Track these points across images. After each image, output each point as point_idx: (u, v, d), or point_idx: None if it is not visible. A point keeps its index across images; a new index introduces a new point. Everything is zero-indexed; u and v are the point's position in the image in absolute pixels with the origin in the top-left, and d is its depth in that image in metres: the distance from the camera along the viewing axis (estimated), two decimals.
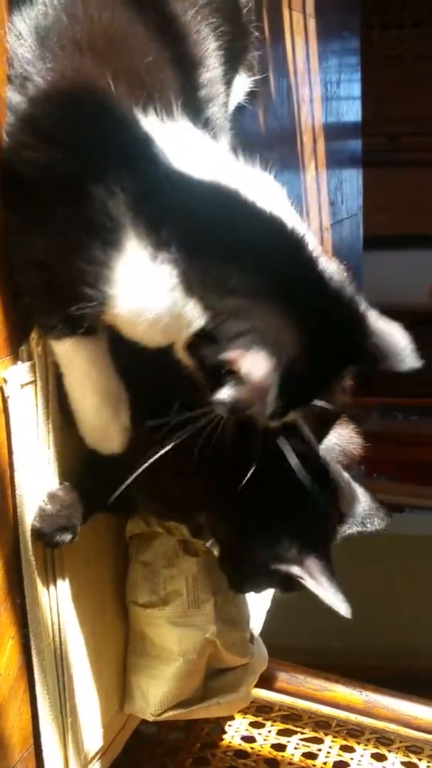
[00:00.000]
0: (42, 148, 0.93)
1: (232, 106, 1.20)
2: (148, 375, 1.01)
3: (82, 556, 1.15)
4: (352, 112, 2.78)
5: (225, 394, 0.86)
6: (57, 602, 1.10)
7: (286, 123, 2.03)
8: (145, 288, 0.90)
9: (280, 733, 1.46)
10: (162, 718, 1.25)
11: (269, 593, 1.42)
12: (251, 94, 1.32)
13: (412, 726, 1.50)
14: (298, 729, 1.47)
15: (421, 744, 1.47)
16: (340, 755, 1.43)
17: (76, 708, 1.14)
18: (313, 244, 0.92)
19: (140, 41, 1.00)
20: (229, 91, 1.14)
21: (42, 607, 1.07)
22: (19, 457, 1.02)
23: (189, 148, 0.95)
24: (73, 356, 1.02)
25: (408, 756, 1.44)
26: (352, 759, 1.43)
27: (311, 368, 0.87)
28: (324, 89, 2.37)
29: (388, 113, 3.61)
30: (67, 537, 1.06)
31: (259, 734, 1.45)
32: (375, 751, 1.45)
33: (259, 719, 1.48)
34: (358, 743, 1.46)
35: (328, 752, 1.43)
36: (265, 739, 1.44)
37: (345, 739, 1.46)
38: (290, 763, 1.41)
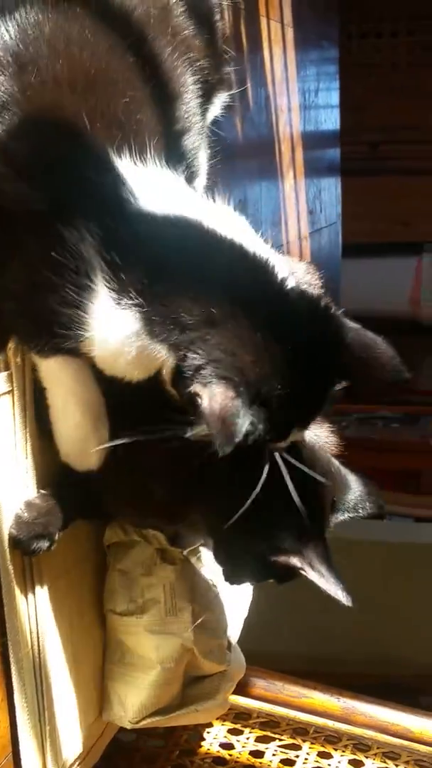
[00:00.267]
0: (16, 180, 0.94)
1: (208, 122, 1.22)
2: (128, 395, 1.01)
3: (61, 564, 1.15)
4: (330, 120, 2.80)
5: (191, 431, 0.89)
6: (35, 610, 1.10)
7: (264, 132, 2.05)
8: (114, 332, 0.92)
9: (258, 739, 1.46)
10: (140, 725, 1.26)
11: (247, 601, 1.43)
12: (228, 107, 1.34)
13: (389, 732, 1.51)
14: (276, 736, 1.47)
15: (398, 750, 1.47)
16: (317, 761, 1.43)
17: (54, 716, 1.14)
18: (279, 267, 0.93)
19: (119, 80, 1.01)
20: (206, 117, 1.15)
21: (20, 616, 1.07)
22: None
23: (159, 192, 0.97)
24: (59, 373, 1.02)
25: (385, 762, 1.45)
26: (329, 765, 1.43)
27: (288, 387, 0.88)
28: (302, 98, 2.39)
29: (366, 122, 3.63)
30: (44, 545, 1.06)
31: (238, 741, 1.46)
32: (352, 757, 1.45)
33: (238, 726, 1.48)
34: (336, 749, 1.46)
35: (306, 758, 1.44)
36: (243, 746, 1.45)
37: (323, 746, 1.46)
38: None
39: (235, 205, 1.01)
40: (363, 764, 1.44)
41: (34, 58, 0.97)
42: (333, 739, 1.48)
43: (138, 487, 1.07)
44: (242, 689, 1.51)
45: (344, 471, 1.12)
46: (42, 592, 1.11)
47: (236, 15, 1.80)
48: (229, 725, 1.48)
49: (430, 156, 3.96)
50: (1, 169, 0.95)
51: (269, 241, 0.99)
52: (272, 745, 1.45)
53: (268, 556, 1.01)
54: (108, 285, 0.92)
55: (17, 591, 1.06)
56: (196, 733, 1.44)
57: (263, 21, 2.03)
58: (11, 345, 1.05)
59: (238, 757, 1.42)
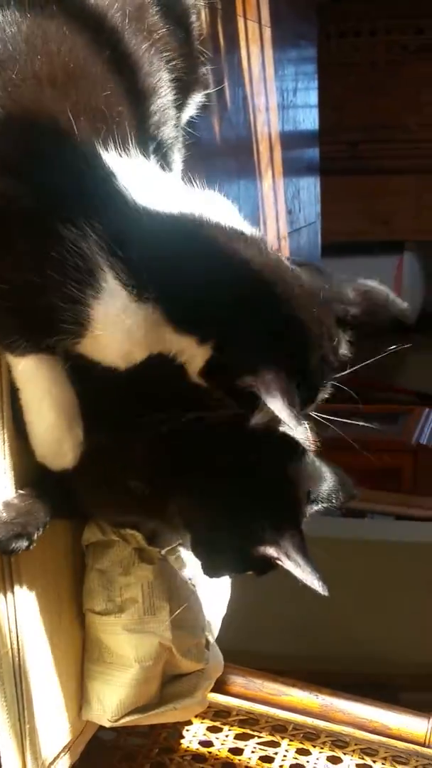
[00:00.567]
0: (3, 176, 0.94)
1: (183, 121, 1.22)
2: (112, 389, 1.02)
3: (39, 563, 1.15)
4: (309, 120, 2.80)
5: (256, 419, 0.95)
6: (14, 610, 1.11)
7: (242, 132, 2.06)
8: (126, 324, 0.94)
9: (238, 737, 1.47)
10: (119, 723, 1.27)
11: (225, 599, 1.44)
12: (205, 107, 1.35)
13: (367, 729, 1.52)
14: (255, 733, 1.48)
15: (375, 746, 1.48)
16: (296, 758, 1.44)
17: (34, 715, 1.15)
18: (273, 251, 1.00)
19: (97, 75, 1.01)
20: (181, 116, 1.16)
21: None
22: None
23: (148, 183, 0.98)
24: (34, 373, 1.03)
25: (363, 758, 1.46)
26: (308, 762, 1.44)
27: (314, 357, 0.96)
28: (280, 98, 2.40)
29: (346, 121, 3.64)
30: (23, 544, 1.07)
31: (217, 738, 1.47)
32: (331, 753, 1.46)
33: (217, 724, 1.49)
34: (314, 746, 1.47)
35: (285, 755, 1.45)
36: (222, 744, 1.46)
37: (301, 743, 1.47)
38: (247, 767, 1.42)
39: None
40: (341, 761, 1.45)
41: (13, 55, 0.96)
42: (311, 735, 1.49)
43: (114, 484, 1.08)
44: (221, 687, 1.52)
45: (318, 463, 1.13)
46: (21, 592, 1.12)
47: (213, 15, 1.81)
48: (209, 723, 1.49)
49: (409, 154, 3.98)
50: (9, 188, 0.94)
51: None
52: (251, 743, 1.46)
53: (245, 546, 1.02)
54: (121, 280, 0.93)
55: None
56: (176, 731, 1.45)
57: (240, 21, 2.03)
58: None
59: (217, 755, 1.43)
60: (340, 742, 1.49)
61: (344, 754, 1.46)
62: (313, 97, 2.86)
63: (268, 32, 2.25)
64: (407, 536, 3.10)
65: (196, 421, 1.01)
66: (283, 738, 1.48)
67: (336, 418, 1.12)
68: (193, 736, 1.46)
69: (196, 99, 1.20)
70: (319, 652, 2.53)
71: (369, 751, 1.47)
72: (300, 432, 1.14)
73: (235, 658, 1.52)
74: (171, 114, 1.12)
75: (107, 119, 0.99)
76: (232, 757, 1.44)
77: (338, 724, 1.52)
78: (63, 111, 0.95)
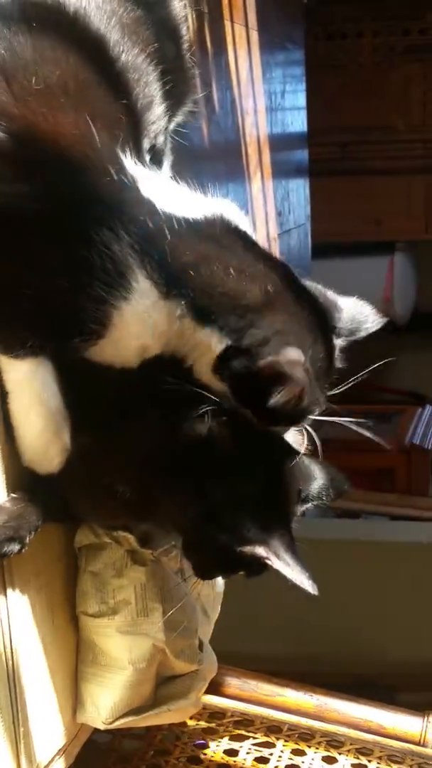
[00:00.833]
0: (27, 182, 0.95)
1: (172, 129, 1.23)
2: (103, 391, 1.04)
3: (32, 567, 1.16)
4: (297, 122, 2.81)
5: (278, 398, 0.96)
6: (7, 613, 1.11)
7: (230, 135, 2.06)
8: (152, 321, 0.98)
9: (233, 738, 1.48)
10: (113, 726, 1.27)
11: (218, 600, 1.44)
12: (193, 113, 1.36)
13: (362, 728, 1.53)
14: (250, 734, 1.49)
15: (370, 746, 1.49)
16: (291, 759, 1.45)
17: (28, 718, 1.15)
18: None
19: (104, 85, 1.02)
20: (171, 122, 1.17)
21: None
22: None
23: (162, 188, 1.03)
24: (28, 379, 1.04)
25: (358, 758, 1.47)
26: (303, 762, 1.45)
27: (323, 350, 1.02)
28: (268, 100, 2.40)
29: (334, 122, 3.65)
30: (15, 547, 1.07)
31: (212, 740, 1.47)
32: (326, 753, 1.47)
33: (212, 725, 1.50)
34: (309, 746, 1.48)
35: (280, 756, 1.45)
36: (217, 745, 1.46)
37: (296, 743, 1.48)
38: None
39: None
40: (336, 761, 1.46)
41: (26, 65, 0.97)
42: (306, 736, 1.50)
43: (102, 488, 1.08)
44: (216, 688, 1.53)
45: (308, 461, 1.14)
46: (13, 596, 1.12)
47: (200, 19, 1.82)
48: (204, 724, 1.50)
49: (398, 155, 3.99)
50: (8, 171, 0.95)
51: None
52: (246, 744, 1.47)
53: (235, 547, 1.02)
54: (153, 279, 0.97)
55: None
56: (171, 733, 1.46)
57: (227, 24, 2.04)
58: None
59: (212, 756, 1.44)
60: (335, 742, 1.49)
61: (339, 754, 1.47)
62: (301, 100, 2.87)
63: (255, 35, 2.26)
64: (401, 536, 3.11)
65: (184, 422, 1.02)
66: (278, 739, 1.49)
67: (330, 419, 1.14)
68: (188, 738, 1.47)
69: (185, 109, 1.21)
70: (313, 653, 2.54)
71: (364, 750, 1.48)
72: (292, 431, 1.16)
73: (229, 659, 1.52)
74: (163, 123, 1.13)
75: (120, 126, 1.01)
76: (227, 758, 1.44)
77: (333, 724, 1.53)
78: (82, 118, 0.97)
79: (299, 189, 2.79)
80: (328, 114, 3.39)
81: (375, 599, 2.75)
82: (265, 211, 2.36)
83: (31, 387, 1.04)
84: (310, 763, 1.45)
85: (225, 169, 2.03)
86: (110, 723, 1.27)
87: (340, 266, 4.52)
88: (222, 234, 1.03)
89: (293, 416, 1.01)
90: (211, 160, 1.91)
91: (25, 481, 1.12)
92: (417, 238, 5.12)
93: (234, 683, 1.55)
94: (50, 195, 0.95)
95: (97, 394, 1.04)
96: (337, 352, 1.08)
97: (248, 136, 2.19)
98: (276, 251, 2.44)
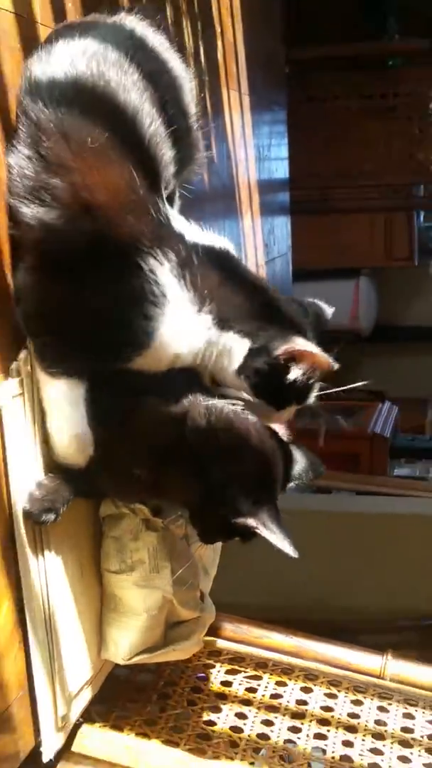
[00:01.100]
0: (84, 221, 0.96)
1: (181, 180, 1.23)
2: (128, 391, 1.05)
3: (64, 532, 1.16)
4: (281, 170, 2.81)
5: (296, 372, 1.03)
6: (44, 570, 1.12)
7: (226, 181, 2.06)
8: (187, 332, 1.01)
9: (228, 672, 1.48)
10: (131, 662, 1.28)
11: (216, 561, 1.44)
12: (197, 168, 1.35)
13: (332, 664, 1.53)
14: (242, 669, 1.49)
15: (340, 679, 1.50)
16: (275, 689, 1.46)
17: (61, 655, 1.16)
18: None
19: (139, 145, 1.02)
20: (181, 175, 1.16)
21: (32, 575, 1.09)
22: (11, 454, 1.04)
23: (184, 224, 1.06)
24: (62, 396, 1.04)
25: (329, 688, 1.47)
26: (284, 692, 1.45)
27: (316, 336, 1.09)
28: (257, 152, 2.40)
29: (312, 170, 3.64)
30: (51, 517, 1.07)
31: (211, 674, 1.47)
32: (303, 685, 1.47)
33: (210, 661, 1.50)
34: (290, 679, 1.48)
35: (266, 687, 1.46)
36: (215, 678, 1.46)
37: (279, 676, 1.48)
38: (235, 696, 1.43)
39: None
40: (312, 690, 1.46)
41: (80, 129, 0.96)
42: (287, 670, 1.50)
43: (121, 471, 1.08)
44: (214, 632, 1.53)
45: (292, 447, 1.14)
46: (50, 556, 1.13)
47: (201, 86, 1.82)
48: (204, 661, 1.50)
49: (364, 197, 4.00)
50: (70, 214, 0.95)
51: None
52: (239, 677, 1.47)
53: (231, 518, 1.02)
54: (188, 297, 1.00)
55: (30, 555, 1.08)
56: (177, 668, 1.46)
57: (224, 90, 2.04)
58: (21, 356, 1.05)
59: (211, 687, 1.44)
60: (311, 676, 1.50)
61: (314, 685, 1.48)
62: (284, 152, 2.86)
63: (246, 99, 2.26)
64: (365, 508, 3.11)
65: (189, 418, 1.02)
66: (264, 672, 1.49)
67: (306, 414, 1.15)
68: (191, 672, 1.47)
69: (192, 167, 1.20)
70: (293, 603, 2.54)
71: (334, 682, 1.49)
72: (279, 426, 1.16)
73: (225, 608, 1.52)
74: (175, 176, 1.12)
75: (151, 178, 1.02)
76: (223, 688, 1.44)
77: (309, 661, 1.53)
78: (127, 169, 0.98)
79: (282, 225, 2.78)
80: (305, 164, 3.38)
81: (343, 560, 2.75)
82: (255, 243, 2.36)
83: (66, 406, 1.05)
84: (291, 693, 1.45)
85: (222, 208, 2.03)
86: (128, 659, 1.27)
87: (316, 288, 4.51)
88: (229, 260, 1.08)
89: (304, 390, 1.07)
90: (211, 201, 1.90)
91: (58, 463, 1.12)
92: (378, 265, 5.15)
93: (229, 628, 1.56)
94: (104, 231, 0.96)
95: (122, 394, 1.05)
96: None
97: (241, 182, 2.19)
98: (264, 275, 2.44)
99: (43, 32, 1.12)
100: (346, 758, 1.32)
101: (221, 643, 1.54)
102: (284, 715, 1.40)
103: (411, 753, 1.34)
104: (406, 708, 1.44)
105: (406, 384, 5.13)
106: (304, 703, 1.43)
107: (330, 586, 2.69)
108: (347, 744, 1.35)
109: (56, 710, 1.15)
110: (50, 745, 1.14)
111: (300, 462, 1.15)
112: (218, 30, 1.99)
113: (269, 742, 1.33)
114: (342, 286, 4.94)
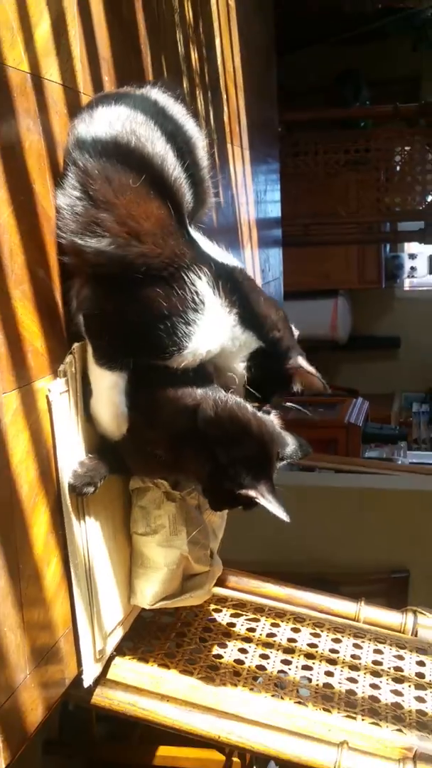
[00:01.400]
0: (132, 246, 0.96)
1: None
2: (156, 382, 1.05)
3: (101, 502, 1.16)
4: (274, 210, 2.80)
5: (296, 387, 1.10)
6: (86, 533, 1.12)
7: (230, 219, 2.06)
8: (218, 331, 1.02)
9: (232, 615, 1.47)
10: (154, 607, 1.28)
11: (223, 525, 1.44)
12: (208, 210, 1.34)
13: (317, 610, 1.52)
14: (244, 613, 1.48)
15: (323, 621, 1.49)
16: (270, 629, 1.45)
17: (99, 601, 1.16)
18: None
19: (169, 186, 1.02)
20: (197, 215, 1.17)
21: (76, 536, 1.09)
22: (59, 439, 1.05)
23: (209, 246, 1.08)
24: (109, 385, 1.04)
25: (314, 629, 1.46)
26: (278, 631, 1.45)
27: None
28: (255, 196, 2.40)
29: (299, 211, 3.64)
30: (91, 489, 1.08)
31: (218, 616, 1.47)
32: (294, 626, 1.47)
33: (218, 607, 1.49)
34: (282, 621, 1.47)
35: (263, 627, 1.45)
36: (222, 620, 1.46)
37: (274, 619, 1.48)
38: (238, 635, 1.42)
39: None
40: (300, 630, 1.45)
41: (121, 172, 0.97)
42: (280, 614, 1.50)
43: (146, 453, 1.08)
44: (221, 583, 1.52)
45: (284, 432, 1.13)
46: (90, 521, 1.13)
47: (211, 142, 1.82)
48: (213, 606, 1.49)
49: (341, 233, 3.99)
50: (120, 240, 0.95)
51: None
52: (241, 619, 1.47)
53: (235, 490, 1.02)
54: (219, 301, 1.01)
55: (74, 520, 1.08)
56: (191, 611, 1.45)
57: (229, 146, 2.04)
58: (67, 359, 1.06)
59: (219, 627, 1.43)
60: (299, 619, 1.49)
61: (302, 626, 1.47)
62: (277, 196, 2.85)
63: (247, 153, 2.26)
64: (342, 483, 3.11)
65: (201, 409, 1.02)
66: (261, 616, 1.48)
67: (295, 405, 1.15)
68: (203, 615, 1.46)
69: (203, 212, 1.19)
70: (286, 560, 2.54)
71: (318, 624, 1.48)
72: (273, 413, 1.16)
73: (230, 564, 1.52)
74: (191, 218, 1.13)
75: (179, 212, 1.02)
76: (228, 628, 1.44)
77: (298, 606, 1.52)
78: (163, 204, 0.98)
79: (275, 255, 2.78)
80: (294, 205, 3.38)
81: (326, 524, 2.76)
82: (253, 269, 2.35)
83: (111, 393, 1.05)
84: (283, 632, 1.44)
85: (227, 241, 2.03)
86: (152, 605, 1.27)
87: (303, 306, 4.54)
88: (245, 275, 1.09)
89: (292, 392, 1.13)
90: (218, 235, 1.89)
91: (97, 446, 1.12)
92: (352, 287, 5.15)
93: (233, 579, 1.55)
94: (150, 252, 0.95)
95: (151, 387, 1.04)
96: None
97: (242, 220, 2.18)
98: None
99: (85, 100, 1.12)
100: (327, 685, 1.32)
101: (227, 592, 1.53)
102: (278, 650, 1.39)
103: (380, 681, 1.34)
104: (376, 645, 1.43)
105: (375, 383, 5.13)
106: (294, 641, 1.42)
107: (315, 545, 2.70)
108: (329, 674, 1.35)
109: (95, 645, 1.15)
110: (90, 673, 1.14)
111: (291, 444, 1.14)
112: (224, 98, 1.99)
113: (266, 672, 1.33)
114: (323, 304, 4.95)
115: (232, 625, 1.45)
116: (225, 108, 1.99)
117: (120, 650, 1.27)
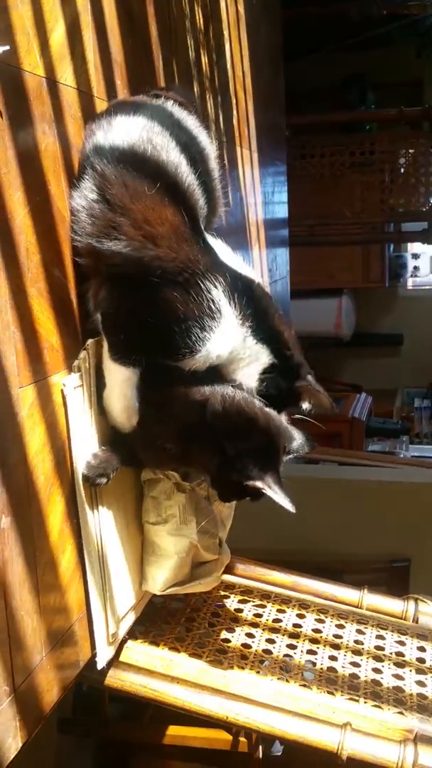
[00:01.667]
0: (148, 249, 0.95)
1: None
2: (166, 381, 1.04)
3: (114, 493, 1.16)
4: (281, 211, 2.79)
5: (308, 404, 1.09)
6: (99, 522, 1.12)
7: (240, 220, 2.06)
8: (230, 340, 1.00)
9: (240, 602, 1.48)
10: (165, 593, 1.28)
11: (231, 515, 1.44)
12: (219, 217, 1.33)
13: (321, 597, 1.53)
14: (251, 599, 1.49)
15: (327, 608, 1.49)
16: (276, 615, 1.45)
17: (112, 587, 1.16)
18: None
19: (183, 192, 1.02)
20: (208, 222, 1.16)
21: (90, 525, 1.09)
22: (73, 431, 1.05)
23: (225, 253, 1.06)
24: (122, 379, 1.04)
25: (319, 615, 1.47)
26: (283, 617, 1.45)
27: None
28: (263, 197, 2.39)
29: (305, 212, 3.63)
30: (104, 480, 1.08)
31: (227, 602, 1.47)
32: (298, 612, 1.47)
33: (226, 593, 1.50)
34: (288, 608, 1.48)
35: (269, 613, 1.45)
36: (230, 606, 1.46)
37: (279, 605, 1.48)
38: (245, 620, 1.43)
39: None
40: (305, 617, 1.46)
41: (137, 180, 0.97)
42: (286, 601, 1.50)
43: (156, 446, 1.08)
44: (229, 570, 1.53)
45: (290, 427, 1.13)
46: (103, 510, 1.13)
47: (221, 145, 1.81)
48: (221, 593, 1.49)
49: (345, 233, 3.97)
50: (137, 244, 0.95)
51: None
52: (248, 605, 1.47)
53: (243, 482, 1.02)
54: (234, 312, 0.99)
55: (87, 509, 1.09)
56: (200, 598, 1.45)
57: (238, 149, 2.03)
58: (81, 355, 1.06)
59: (226, 613, 1.44)
60: (304, 605, 1.49)
61: (307, 612, 1.47)
62: (284, 197, 2.84)
63: (255, 156, 2.25)
64: (346, 476, 3.10)
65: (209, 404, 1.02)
66: (268, 602, 1.49)
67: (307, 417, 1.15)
68: (212, 601, 1.46)
69: (214, 220, 1.19)
70: (291, 548, 2.54)
71: (323, 610, 1.48)
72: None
73: (238, 552, 1.52)
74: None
75: (193, 218, 1.01)
76: (236, 614, 1.44)
77: (303, 593, 1.53)
78: (178, 210, 0.97)
79: (282, 254, 2.77)
80: (300, 207, 3.36)
81: (329, 515, 2.75)
82: (261, 268, 2.35)
83: (124, 387, 1.04)
84: (288, 618, 1.45)
85: (236, 241, 2.03)
86: (162, 591, 1.27)
87: (308, 304, 4.52)
88: (262, 290, 1.07)
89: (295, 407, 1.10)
90: (228, 236, 1.89)
91: (110, 439, 1.12)
92: (357, 286, 5.12)
93: (240, 567, 1.55)
94: (165, 256, 0.95)
95: (162, 383, 1.04)
96: None
97: (251, 221, 2.18)
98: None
99: (99, 104, 1.12)
100: (331, 669, 1.32)
101: (235, 579, 1.53)
102: (283, 635, 1.39)
103: (382, 666, 1.34)
104: (378, 631, 1.43)
105: (378, 379, 5.11)
106: (299, 626, 1.43)
107: (320, 535, 2.69)
108: (332, 658, 1.35)
109: (108, 629, 1.15)
110: (103, 656, 1.15)
111: (297, 439, 1.14)
112: (234, 102, 1.98)
113: (272, 656, 1.33)
114: (328, 302, 4.92)
115: (240, 610, 1.45)
116: (234, 112, 1.98)
117: (132, 634, 1.27)
